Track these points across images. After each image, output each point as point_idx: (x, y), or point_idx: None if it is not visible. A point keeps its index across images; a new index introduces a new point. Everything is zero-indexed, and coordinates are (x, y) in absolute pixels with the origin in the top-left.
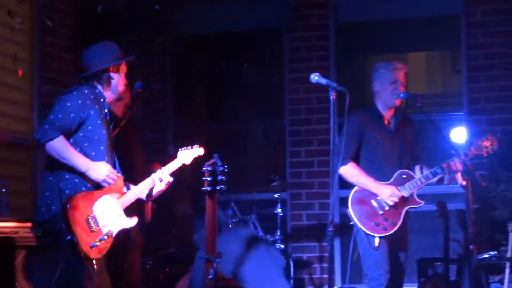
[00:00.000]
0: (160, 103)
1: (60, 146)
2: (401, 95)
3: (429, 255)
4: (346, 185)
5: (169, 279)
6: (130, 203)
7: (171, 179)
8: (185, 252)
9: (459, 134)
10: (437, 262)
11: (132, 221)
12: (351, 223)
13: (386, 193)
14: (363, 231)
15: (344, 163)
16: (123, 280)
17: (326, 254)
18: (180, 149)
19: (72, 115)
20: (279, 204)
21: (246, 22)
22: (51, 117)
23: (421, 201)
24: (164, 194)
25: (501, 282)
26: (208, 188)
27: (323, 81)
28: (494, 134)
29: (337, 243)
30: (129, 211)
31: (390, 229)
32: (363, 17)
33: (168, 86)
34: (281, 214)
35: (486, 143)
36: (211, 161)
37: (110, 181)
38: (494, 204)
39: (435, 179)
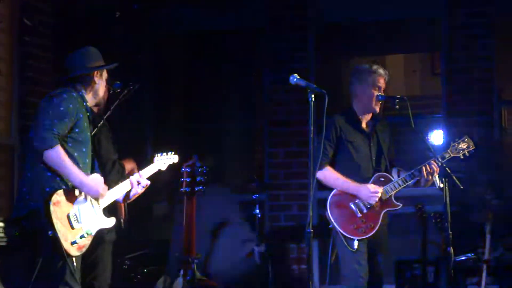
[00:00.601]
0: (139, 103)
1: (58, 156)
2: (380, 97)
3: (407, 257)
4: (324, 186)
5: (147, 279)
6: (108, 203)
7: (148, 182)
8: (162, 252)
9: (437, 136)
10: (415, 264)
11: (111, 221)
12: (330, 226)
13: (366, 193)
14: (342, 234)
15: (321, 168)
16: (91, 276)
17: (304, 256)
18: (156, 155)
19: (66, 119)
20: (257, 205)
21: (225, 22)
22: (47, 122)
23: (399, 203)
24: (141, 194)
25: (479, 284)
26: (187, 189)
27: (302, 82)
28: (471, 136)
29: (315, 244)
30: (106, 211)
31: (368, 232)
32: (342, 19)
33: (147, 85)
34: (259, 215)
35: (463, 145)
36: (190, 162)
37: (100, 197)
38: (471, 206)
39: (413, 181)
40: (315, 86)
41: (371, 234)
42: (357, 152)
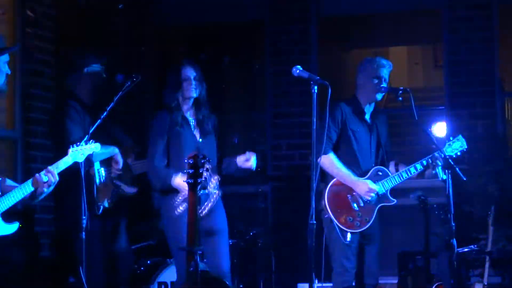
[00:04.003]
0: (140, 95)
1: None
2: (383, 89)
3: (410, 248)
4: (323, 179)
5: (151, 271)
6: (8, 207)
7: (57, 179)
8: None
9: (440, 129)
10: (417, 256)
11: (11, 228)
12: (326, 216)
13: (363, 189)
14: (337, 225)
15: (325, 152)
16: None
17: (307, 247)
18: (71, 146)
19: None
20: (260, 197)
21: (227, 14)
22: None
23: (393, 199)
24: (144, 184)
25: (481, 276)
26: (190, 181)
27: (305, 74)
28: (463, 135)
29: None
30: (9, 216)
31: (363, 225)
32: (344, 10)
33: (149, 77)
34: (263, 206)
35: (456, 145)
36: (193, 153)
37: None
38: (474, 198)
39: (412, 175)
40: (318, 77)
41: (365, 227)
42: (358, 143)
